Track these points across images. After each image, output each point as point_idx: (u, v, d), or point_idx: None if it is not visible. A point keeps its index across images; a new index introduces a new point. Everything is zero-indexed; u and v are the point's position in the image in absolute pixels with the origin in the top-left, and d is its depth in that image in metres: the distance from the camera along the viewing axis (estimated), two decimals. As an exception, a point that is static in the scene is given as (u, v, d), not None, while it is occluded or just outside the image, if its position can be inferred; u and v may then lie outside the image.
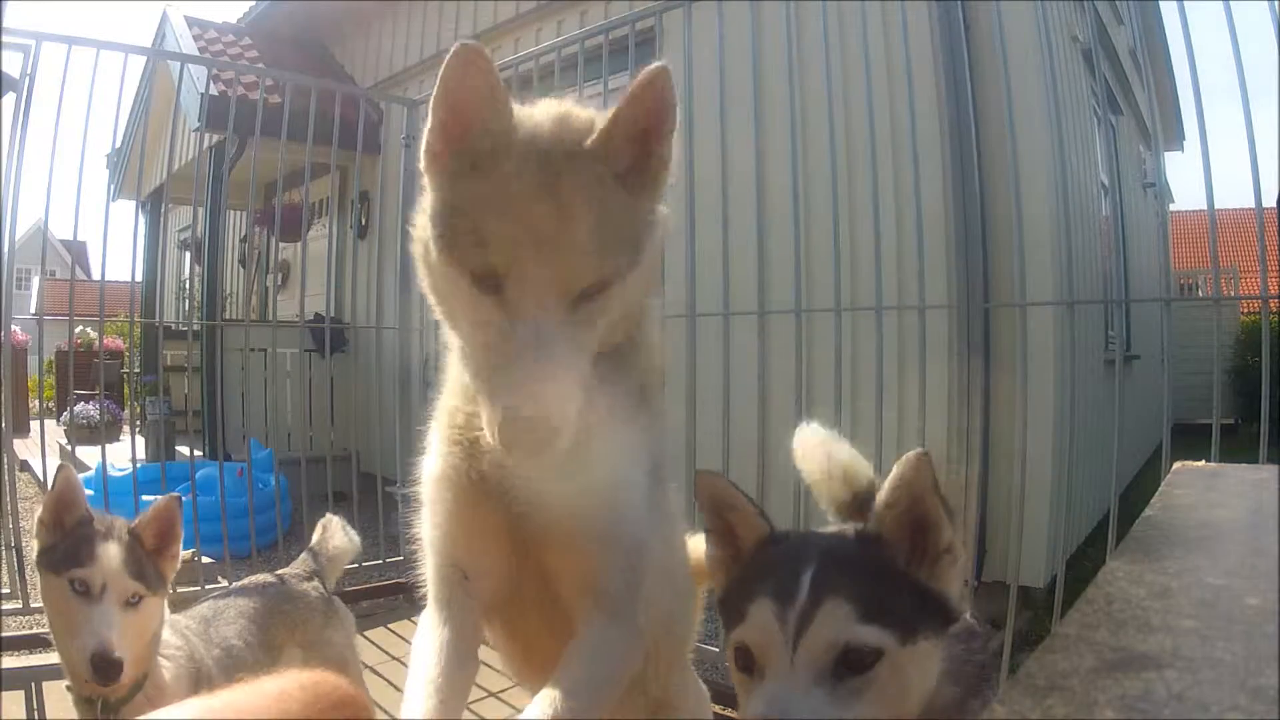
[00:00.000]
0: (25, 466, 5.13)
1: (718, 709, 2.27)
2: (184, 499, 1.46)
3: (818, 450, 1.20)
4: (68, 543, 1.31)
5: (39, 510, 1.36)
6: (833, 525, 1.18)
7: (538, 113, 0.80)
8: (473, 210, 0.75)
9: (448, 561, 0.89)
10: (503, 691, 1.93)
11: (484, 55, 0.74)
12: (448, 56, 0.74)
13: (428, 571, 0.92)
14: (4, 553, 2.66)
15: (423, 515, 0.93)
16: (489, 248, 0.73)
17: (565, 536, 0.84)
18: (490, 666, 1.05)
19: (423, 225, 0.80)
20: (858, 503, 1.26)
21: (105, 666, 1.22)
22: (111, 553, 1.29)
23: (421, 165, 0.81)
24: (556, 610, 0.89)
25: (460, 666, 0.84)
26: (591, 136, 0.75)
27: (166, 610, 1.42)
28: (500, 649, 1.04)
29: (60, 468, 1.40)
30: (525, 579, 0.89)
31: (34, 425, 6.78)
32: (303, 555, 1.90)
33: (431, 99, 0.77)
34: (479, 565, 0.89)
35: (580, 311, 0.74)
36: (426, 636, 0.87)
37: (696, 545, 1.32)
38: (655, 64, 0.75)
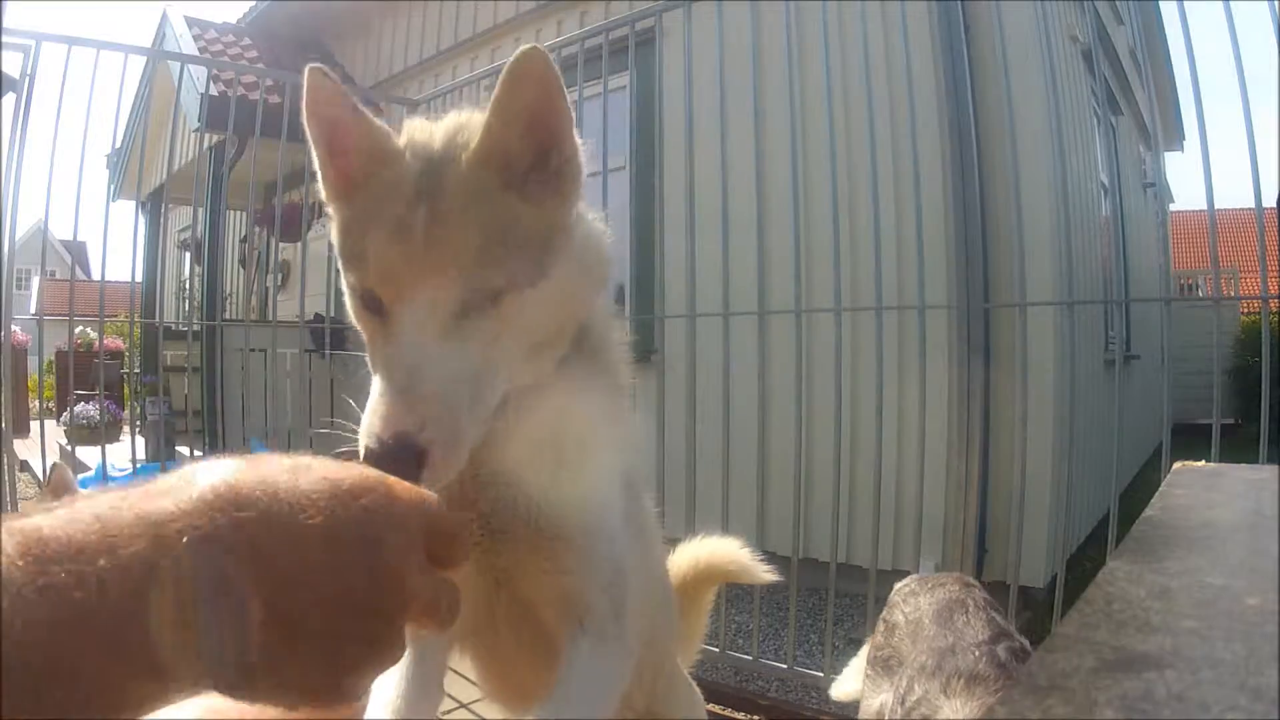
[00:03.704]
0: (25, 466, 5.14)
1: (715, 709, 2.27)
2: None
3: None
4: None
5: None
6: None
7: (432, 126, 0.78)
8: (354, 227, 0.74)
9: None
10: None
11: (331, 76, 0.73)
12: (305, 82, 0.73)
13: None
14: (4, 553, 2.66)
15: None
16: (366, 264, 0.71)
17: (542, 560, 0.81)
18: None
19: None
20: None
21: None
22: None
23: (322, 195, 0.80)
24: (535, 636, 0.85)
25: (423, 693, 0.81)
26: (473, 142, 0.72)
27: None
28: (476, 673, 1.00)
29: (54, 466, 1.39)
30: (499, 606, 0.86)
31: (34, 425, 6.78)
32: None
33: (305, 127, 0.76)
34: None
35: (469, 329, 0.70)
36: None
37: (689, 552, 1.32)
38: (524, 46, 0.69)
